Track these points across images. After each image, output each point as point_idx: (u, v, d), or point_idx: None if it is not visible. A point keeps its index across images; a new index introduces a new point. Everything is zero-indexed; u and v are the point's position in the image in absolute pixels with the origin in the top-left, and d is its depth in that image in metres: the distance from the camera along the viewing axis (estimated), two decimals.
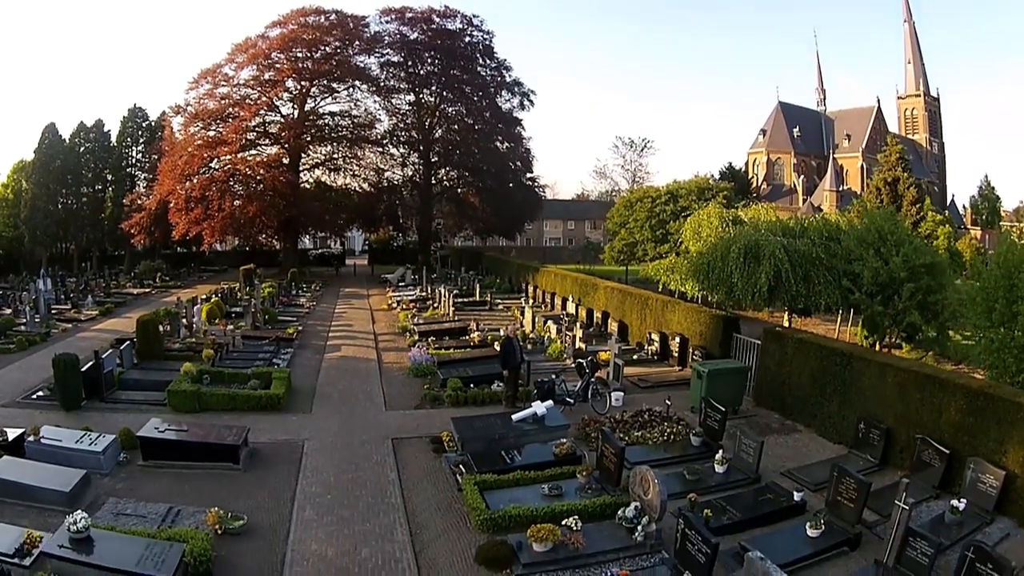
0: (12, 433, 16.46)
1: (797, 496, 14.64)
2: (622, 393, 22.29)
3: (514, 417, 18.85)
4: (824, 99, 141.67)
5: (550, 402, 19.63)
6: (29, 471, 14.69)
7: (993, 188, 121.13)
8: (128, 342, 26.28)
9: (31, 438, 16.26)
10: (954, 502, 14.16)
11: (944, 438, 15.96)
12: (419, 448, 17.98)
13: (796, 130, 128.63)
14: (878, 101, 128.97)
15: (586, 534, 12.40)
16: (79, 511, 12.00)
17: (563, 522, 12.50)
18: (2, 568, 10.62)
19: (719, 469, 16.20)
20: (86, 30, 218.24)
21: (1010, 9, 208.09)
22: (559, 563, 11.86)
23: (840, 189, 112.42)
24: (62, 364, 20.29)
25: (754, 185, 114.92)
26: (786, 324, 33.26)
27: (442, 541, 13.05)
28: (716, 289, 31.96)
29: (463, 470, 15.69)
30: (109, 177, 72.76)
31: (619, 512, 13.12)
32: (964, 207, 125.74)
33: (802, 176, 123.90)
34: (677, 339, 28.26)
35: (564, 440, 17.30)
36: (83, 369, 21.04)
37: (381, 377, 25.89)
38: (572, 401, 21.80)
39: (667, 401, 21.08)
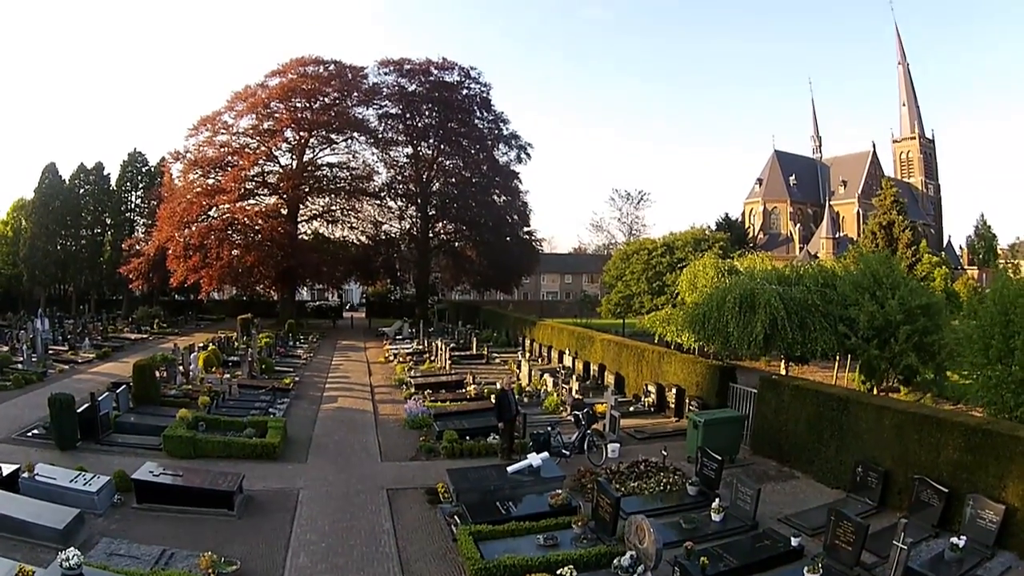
0: (7, 469, 16.53)
1: (795, 541, 14.66)
2: (618, 444, 22.38)
3: (509, 469, 18.82)
4: (820, 146, 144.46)
5: (546, 454, 19.62)
6: (23, 506, 14.79)
7: (989, 227, 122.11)
8: (124, 386, 26.34)
9: (26, 474, 16.36)
10: (954, 539, 14.27)
11: (942, 477, 16.19)
12: (414, 499, 17.98)
13: (792, 178, 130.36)
14: (873, 146, 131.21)
15: None
16: (72, 548, 11.96)
17: (558, 572, 12.46)
18: None
19: (716, 517, 16.18)
20: (89, 71, 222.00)
21: (1005, 48, 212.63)
22: None
23: (836, 236, 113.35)
24: (58, 404, 20.55)
25: (751, 235, 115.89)
26: (783, 372, 33.35)
27: None
28: (712, 339, 32.26)
29: (458, 520, 15.63)
30: (108, 221, 73.84)
31: (615, 561, 13.09)
32: (961, 247, 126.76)
33: (798, 224, 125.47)
34: (674, 390, 28.31)
35: (560, 491, 17.20)
36: (79, 410, 21.26)
37: (377, 429, 25.91)
38: (568, 453, 21.79)
39: (663, 451, 21.11)
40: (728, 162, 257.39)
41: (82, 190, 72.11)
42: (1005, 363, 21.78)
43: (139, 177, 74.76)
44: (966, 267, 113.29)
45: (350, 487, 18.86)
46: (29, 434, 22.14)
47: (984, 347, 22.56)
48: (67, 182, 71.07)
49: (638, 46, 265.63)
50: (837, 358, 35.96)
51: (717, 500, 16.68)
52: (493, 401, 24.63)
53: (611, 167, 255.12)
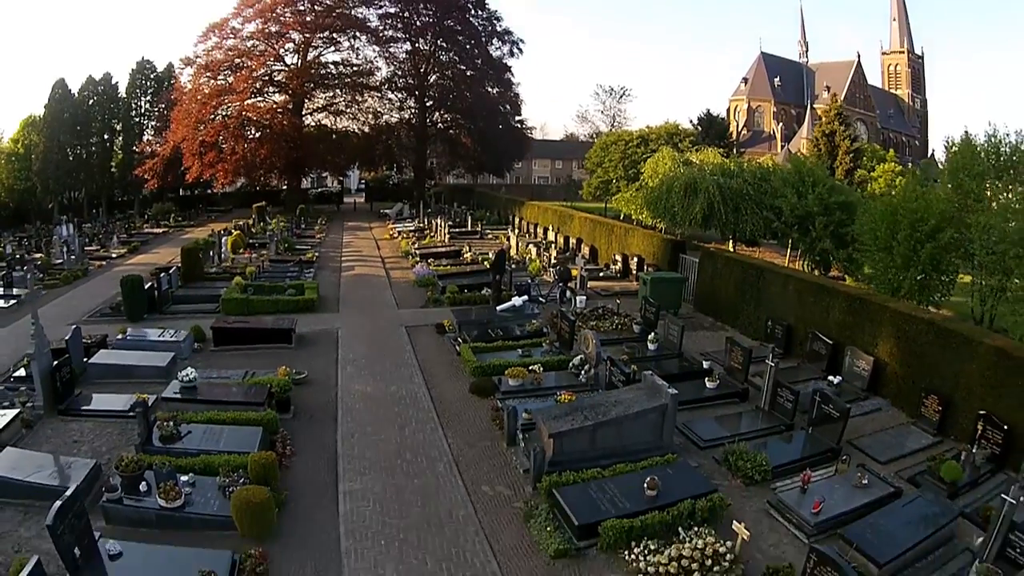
0: (97, 335, 21.33)
1: (705, 364, 19.81)
2: (584, 297, 27.59)
3: (498, 308, 24.86)
4: (806, 51, 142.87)
5: (526, 296, 25.42)
6: (126, 357, 19.43)
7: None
8: (174, 268, 30.39)
9: (119, 336, 21.21)
10: (831, 378, 19.06)
11: (831, 333, 20.65)
12: (426, 332, 23.59)
13: (777, 80, 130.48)
14: (858, 55, 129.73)
15: (545, 376, 18.03)
16: (188, 367, 17.13)
17: (530, 368, 18.11)
18: (143, 409, 14.23)
19: (651, 347, 21.38)
20: None
21: None
22: (526, 392, 17.30)
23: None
24: (129, 283, 24.93)
25: (733, 130, 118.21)
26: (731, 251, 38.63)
27: (447, 383, 18.69)
28: (663, 217, 37.84)
29: (460, 341, 21.42)
30: (117, 127, 75.33)
31: (570, 363, 18.77)
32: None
33: (781, 124, 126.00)
34: (636, 259, 33.47)
35: (535, 321, 23.18)
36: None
37: (391, 287, 31.46)
38: (543, 300, 27.45)
39: (617, 301, 26.74)
40: (714, 63, 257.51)
41: (91, 100, 73.16)
42: (887, 251, 27.31)
43: (148, 83, 76.60)
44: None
45: (376, 326, 24.45)
46: (98, 314, 25.88)
47: (874, 237, 28.06)
48: (76, 95, 72.01)
49: None
50: (790, 243, 40.67)
51: (653, 334, 21.90)
52: (487, 266, 30.24)
53: (603, 61, 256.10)
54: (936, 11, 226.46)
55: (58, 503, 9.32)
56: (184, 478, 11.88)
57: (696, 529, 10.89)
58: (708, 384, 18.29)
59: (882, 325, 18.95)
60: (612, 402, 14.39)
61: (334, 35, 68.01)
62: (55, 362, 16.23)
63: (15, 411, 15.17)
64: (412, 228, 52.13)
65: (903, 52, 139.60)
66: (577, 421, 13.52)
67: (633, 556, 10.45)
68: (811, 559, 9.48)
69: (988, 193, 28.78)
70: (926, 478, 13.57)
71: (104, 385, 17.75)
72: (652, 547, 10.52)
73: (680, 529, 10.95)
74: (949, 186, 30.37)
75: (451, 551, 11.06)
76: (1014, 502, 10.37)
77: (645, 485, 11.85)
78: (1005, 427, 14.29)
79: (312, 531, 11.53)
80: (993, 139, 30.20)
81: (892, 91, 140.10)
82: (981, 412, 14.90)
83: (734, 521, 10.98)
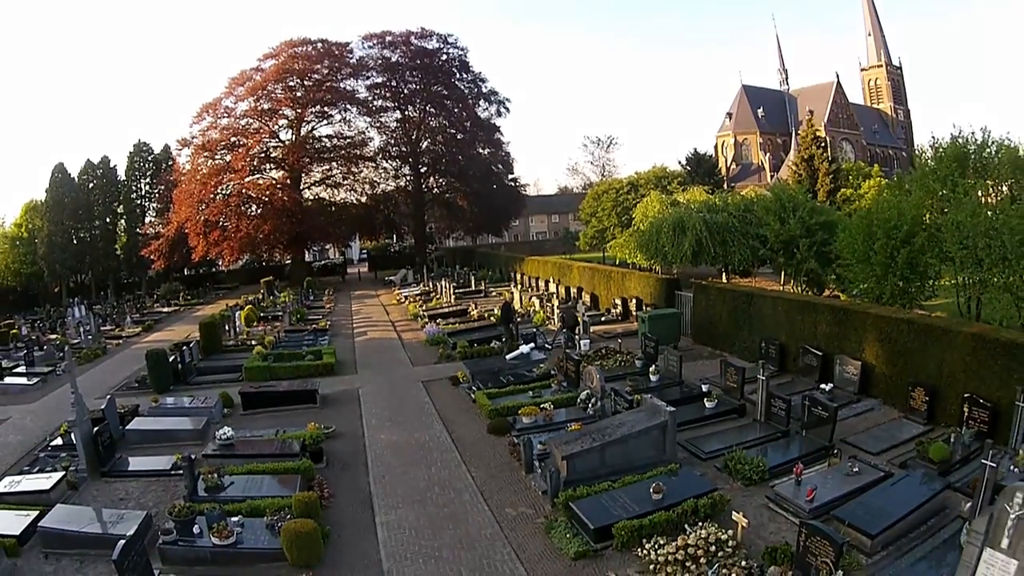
0: (130, 405, 22.49)
1: (704, 388, 21.00)
2: (588, 340, 29.04)
3: (507, 356, 26.46)
4: (786, 78, 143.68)
5: (533, 344, 26.89)
6: (162, 422, 20.94)
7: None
8: (194, 341, 31.78)
9: (152, 405, 22.67)
10: (823, 386, 20.50)
11: (820, 345, 22.13)
12: (442, 385, 24.92)
13: (760, 111, 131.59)
14: (837, 76, 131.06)
15: (556, 412, 19.37)
16: (225, 427, 18.39)
17: (541, 406, 19.53)
18: (189, 463, 15.33)
19: (653, 379, 22.66)
20: (81, 74, 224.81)
21: None
22: (539, 427, 18.57)
23: None
24: (154, 356, 26.30)
25: (722, 166, 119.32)
26: (724, 282, 40.05)
27: (465, 427, 19.99)
28: (655, 258, 39.49)
29: (474, 389, 22.78)
30: (119, 210, 77.00)
31: (578, 398, 20.09)
32: None
33: (768, 154, 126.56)
34: (634, 301, 34.83)
35: (543, 365, 24.60)
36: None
37: (404, 348, 32.74)
38: (550, 347, 28.85)
39: (619, 341, 28.20)
40: (699, 99, 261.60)
41: (91, 184, 74.97)
42: (868, 261, 28.69)
43: (146, 165, 78.05)
44: None
45: (395, 383, 25.77)
46: (125, 388, 27.14)
47: (852, 250, 29.56)
48: (76, 179, 73.92)
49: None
50: (783, 271, 41.83)
51: (654, 367, 23.27)
52: (492, 320, 31.78)
53: (589, 110, 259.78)
54: (912, 19, 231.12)
55: (122, 541, 10.57)
56: (234, 519, 13.07)
57: (700, 524, 12.17)
58: (707, 404, 19.74)
59: (866, 331, 20.53)
60: (617, 424, 15.80)
61: (325, 108, 69.99)
62: (95, 428, 17.47)
63: (60, 474, 16.29)
64: (418, 292, 53.58)
65: (881, 66, 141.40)
66: (586, 443, 14.90)
67: (645, 551, 11.69)
68: (802, 532, 10.65)
69: (955, 193, 30.08)
70: (916, 461, 14.85)
71: (142, 449, 19.08)
72: (661, 542, 11.76)
73: (686, 526, 12.20)
74: (920, 192, 32.09)
75: (483, 563, 12.31)
76: (994, 465, 11.60)
77: (651, 490, 13.18)
78: (989, 404, 15.65)
79: (356, 557, 12.76)
80: (959, 141, 32.02)
81: (874, 106, 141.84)
82: (966, 395, 16.24)
83: (733, 512, 12.28)
